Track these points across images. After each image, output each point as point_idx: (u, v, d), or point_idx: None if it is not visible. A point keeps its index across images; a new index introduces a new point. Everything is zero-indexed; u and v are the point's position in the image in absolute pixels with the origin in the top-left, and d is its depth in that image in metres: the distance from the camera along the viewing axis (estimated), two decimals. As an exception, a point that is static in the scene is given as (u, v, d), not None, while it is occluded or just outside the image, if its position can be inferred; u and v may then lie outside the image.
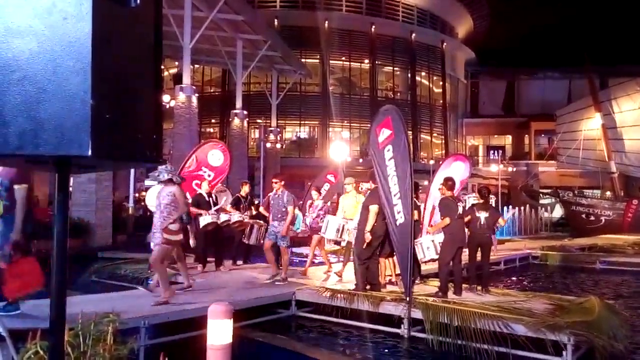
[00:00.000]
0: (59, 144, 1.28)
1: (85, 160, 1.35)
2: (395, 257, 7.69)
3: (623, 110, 29.28)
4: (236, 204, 9.86)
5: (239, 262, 10.41)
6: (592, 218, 26.55)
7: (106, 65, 1.33)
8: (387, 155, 7.20)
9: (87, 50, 1.30)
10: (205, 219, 9.27)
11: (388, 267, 8.30)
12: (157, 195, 6.73)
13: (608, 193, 30.90)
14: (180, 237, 6.66)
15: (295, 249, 14.08)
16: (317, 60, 35.91)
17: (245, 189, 10.08)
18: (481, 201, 8.20)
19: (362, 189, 9.29)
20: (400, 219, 6.95)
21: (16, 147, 1.28)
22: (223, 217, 9.45)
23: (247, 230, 9.71)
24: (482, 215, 7.87)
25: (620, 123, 29.38)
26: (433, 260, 7.94)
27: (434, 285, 7.86)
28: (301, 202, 16.05)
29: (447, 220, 7.27)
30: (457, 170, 10.35)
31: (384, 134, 7.29)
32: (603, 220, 26.13)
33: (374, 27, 36.83)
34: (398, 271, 7.76)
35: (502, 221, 8.23)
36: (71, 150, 1.29)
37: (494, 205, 10.29)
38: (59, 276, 1.53)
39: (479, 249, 8.07)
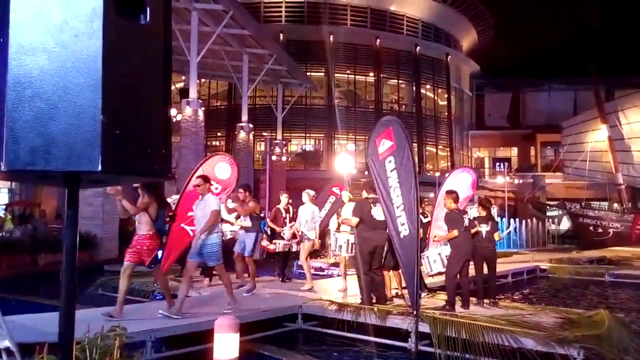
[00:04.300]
0: (69, 159, 1.30)
1: (95, 176, 1.36)
2: (400, 270, 7.64)
3: (631, 121, 29.12)
4: None
5: (244, 275, 10.35)
6: (600, 230, 26.35)
7: (116, 82, 1.35)
8: (388, 166, 7.14)
9: (97, 67, 1.31)
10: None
11: (393, 280, 8.26)
12: None
13: (615, 205, 30.67)
14: None
15: (299, 262, 14.02)
16: (323, 74, 36.06)
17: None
18: (483, 213, 8.13)
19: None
20: (404, 231, 6.85)
21: (27, 163, 1.29)
22: (228, 234, 9.44)
23: None
24: (484, 228, 7.80)
25: (627, 134, 29.22)
26: (440, 273, 7.89)
27: (441, 298, 7.79)
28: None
29: (455, 233, 7.23)
30: (464, 182, 10.28)
31: (385, 144, 7.25)
32: (611, 233, 25.93)
33: (378, 40, 36.99)
34: (404, 284, 7.71)
35: (497, 236, 8.10)
36: (81, 166, 1.30)
37: (495, 216, 10.18)
38: (68, 289, 1.53)
39: (485, 261, 8.01)
